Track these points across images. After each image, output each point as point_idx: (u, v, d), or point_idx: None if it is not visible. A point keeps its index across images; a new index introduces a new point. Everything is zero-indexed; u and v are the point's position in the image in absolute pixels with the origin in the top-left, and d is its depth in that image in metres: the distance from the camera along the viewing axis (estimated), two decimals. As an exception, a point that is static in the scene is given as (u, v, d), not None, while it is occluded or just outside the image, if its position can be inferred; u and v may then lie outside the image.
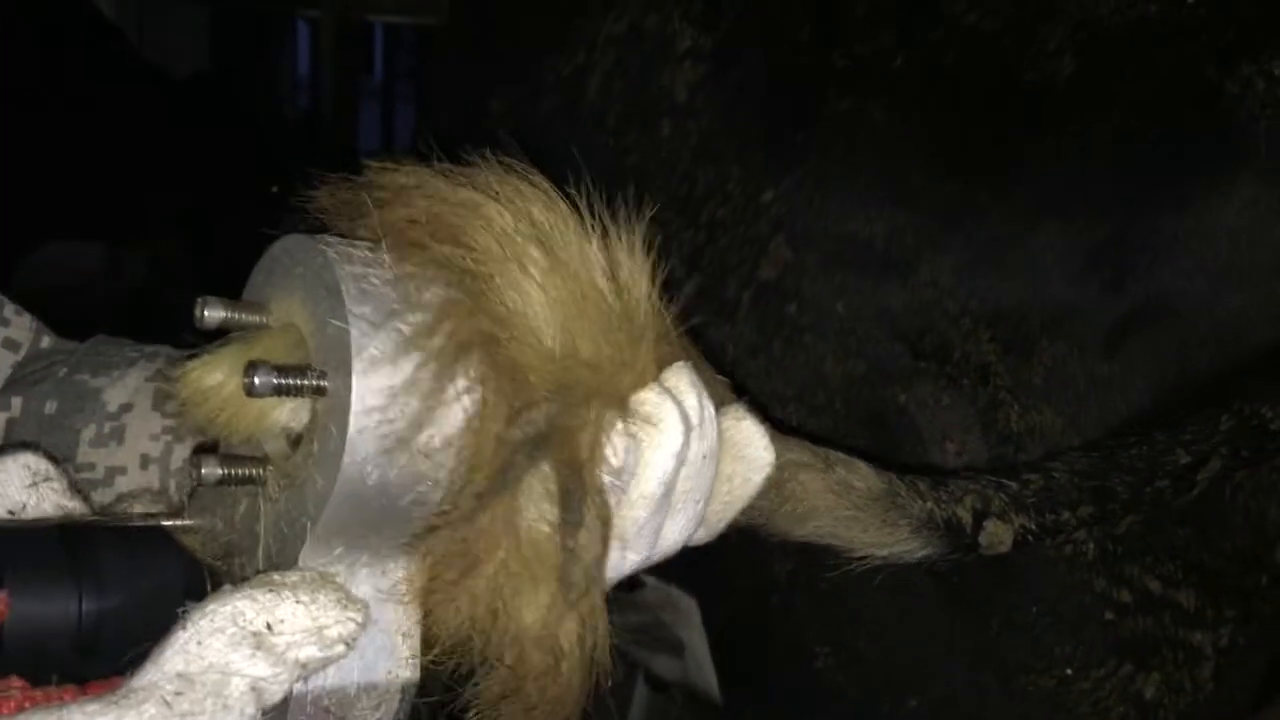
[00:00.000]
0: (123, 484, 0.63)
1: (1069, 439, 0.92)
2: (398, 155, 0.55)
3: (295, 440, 0.54)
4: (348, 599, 0.50)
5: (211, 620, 0.46)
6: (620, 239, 0.55)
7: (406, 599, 0.53)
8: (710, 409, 0.58)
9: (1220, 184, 0.89)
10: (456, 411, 0.51)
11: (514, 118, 1.30)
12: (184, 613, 0.47)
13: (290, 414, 0.54)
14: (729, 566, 1.12)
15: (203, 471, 0.53)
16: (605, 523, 0.53)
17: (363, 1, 5.47)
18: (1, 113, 2.57)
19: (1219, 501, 0.95)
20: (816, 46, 1.07)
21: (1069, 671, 0.98)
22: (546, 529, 0.52)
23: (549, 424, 0.51)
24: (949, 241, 0.97)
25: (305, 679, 0.50)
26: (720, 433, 0.59)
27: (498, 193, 0.53)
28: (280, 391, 0.51)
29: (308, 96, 6.38)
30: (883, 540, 0.70)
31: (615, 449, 0.54)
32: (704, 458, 0.58)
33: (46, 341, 0.69)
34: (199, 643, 0.46)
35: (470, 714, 0.54)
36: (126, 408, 0.64)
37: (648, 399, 0.55)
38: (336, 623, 0.49)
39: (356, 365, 0.49)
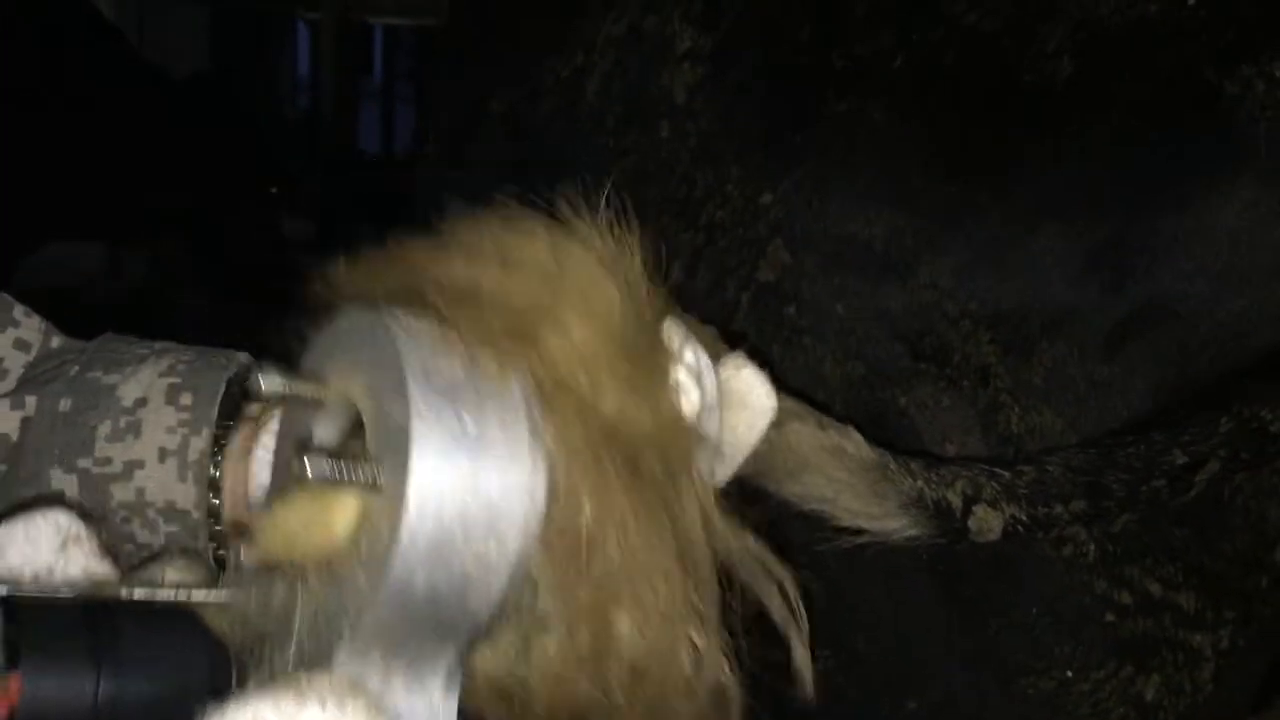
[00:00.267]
0: (141, 478, 0.63)
1: (1069, 440, 0.92)
2: (482, 209, 0.53)
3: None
4: (378, 711, 0.47)
5: None
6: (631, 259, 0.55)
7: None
8: (706, 359, 0.58)
9: (1220, 185, 0.89)
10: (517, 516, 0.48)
11: (514, 119, 1.30)
12: (204, 711, 0.44)
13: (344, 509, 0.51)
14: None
15: (309, 468, 0.48)
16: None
17: (363, 2, 5.48)
18: (1, 113, 2.57)
19: (1219, 503, 0.94)
20: (816, 47, 1.07)
21: (1069, 673, 0.98)
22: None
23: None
24: (948, 243, 0.97)
25: None
26: (721, 383, 0.59)
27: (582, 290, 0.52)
28: (332, 481, 0.48)
29: (308, 97, 6.38)
30: (871, 511, 0.70)
31: None
32: (708, 410, 0.57)
33: (56, 341, 0.69)
34: None
35: None
36: (141, 402, 0.64)
37: None
38: None
39: (415, 466, 0.46)
